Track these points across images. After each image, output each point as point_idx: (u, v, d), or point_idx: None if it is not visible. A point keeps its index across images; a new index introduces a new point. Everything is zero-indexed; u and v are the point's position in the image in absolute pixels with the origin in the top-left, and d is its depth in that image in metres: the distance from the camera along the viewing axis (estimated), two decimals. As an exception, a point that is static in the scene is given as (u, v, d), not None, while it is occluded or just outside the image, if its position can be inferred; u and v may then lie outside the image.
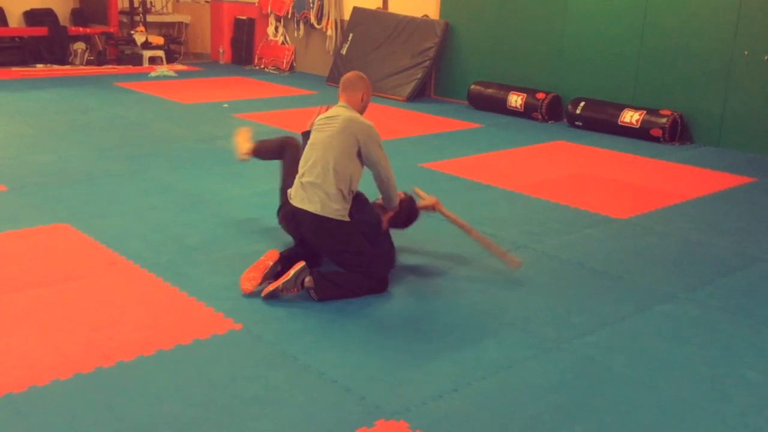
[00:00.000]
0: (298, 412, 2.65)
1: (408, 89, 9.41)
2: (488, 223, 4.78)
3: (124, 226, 4.48)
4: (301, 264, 3.54)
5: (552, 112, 8.41)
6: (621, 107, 7.77)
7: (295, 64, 11.79)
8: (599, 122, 7.88)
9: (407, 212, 4.09)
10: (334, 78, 10.43)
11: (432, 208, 4.15)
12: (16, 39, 11.47)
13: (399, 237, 4.16)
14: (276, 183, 4.28)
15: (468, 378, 2.92)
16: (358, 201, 3.80)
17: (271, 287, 3.51)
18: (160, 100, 8.93)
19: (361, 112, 3.84)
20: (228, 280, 3.74)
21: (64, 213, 4.66)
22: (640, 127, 7.54)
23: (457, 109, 9.05)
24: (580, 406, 2.76)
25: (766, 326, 3.49)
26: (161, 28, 12.86)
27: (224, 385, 2.81)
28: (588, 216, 5.02)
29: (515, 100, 8.60)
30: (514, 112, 8.62)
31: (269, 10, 11.82)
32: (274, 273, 3.63)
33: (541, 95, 8.42)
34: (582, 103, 8.05)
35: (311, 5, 11.10)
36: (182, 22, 13.13)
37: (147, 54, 11.65)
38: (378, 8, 10.31)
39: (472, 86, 9.08)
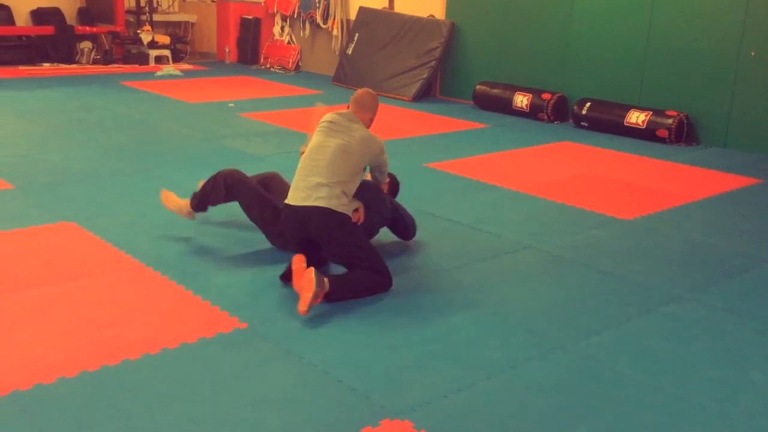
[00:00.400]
0: (303, 411, 2.66)
1: (413, 89, 9.41)
2: (493, 223, 4.78)
3: (130, 224, 4.49)
4: (312, 270, 3.51)
5: (558, 112, 8.40)
6: (627, 108, 7.76)
7: (300, 64, 11.80)
8: (605, 123, 7.86)
9: (392, 185, 4.46)
10: (339, 78, 10.44)
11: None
12: (23, 38, 11.50)
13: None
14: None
15: (473, 378, 2.92)
16: (370, 190, 3.97)
17: (309, 303, 3.38)
18: (167, 99, 8.95)
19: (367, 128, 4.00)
20: (234, 279, 3.75)
21: (71, 211, 4.67)
22: (646, 127, 7.52)
23: (462, 109, 9.05)
24: (584, 407, 2.76)
25: (772, 328, 3.48)
26: (167, 27, 12.89)
27: (229, 384, 2.81)
28: (593, 217, 5.02)
29: (521, 100, 8.59)
30: (519, 113, 8.61)
31: (275, 10, 11.84)
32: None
33: (546, 96, 8.41)
34: (588, 104, 8.04)
35: (317, 5, 11.11)
36: (188, 22, 13.17)
37: (153, 53, 11.67)
38: (384, 8, 10.31)
39: (478, 86, 9.07)
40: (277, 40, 12.01)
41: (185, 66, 11.72)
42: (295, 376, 2.90)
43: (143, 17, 12.21)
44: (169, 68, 11.01)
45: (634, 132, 7.60)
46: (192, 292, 3.58)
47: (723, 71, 7.26)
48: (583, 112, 8.03)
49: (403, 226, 4.28)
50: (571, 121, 8.32)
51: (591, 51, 8.24)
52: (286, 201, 3.81)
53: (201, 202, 4.21)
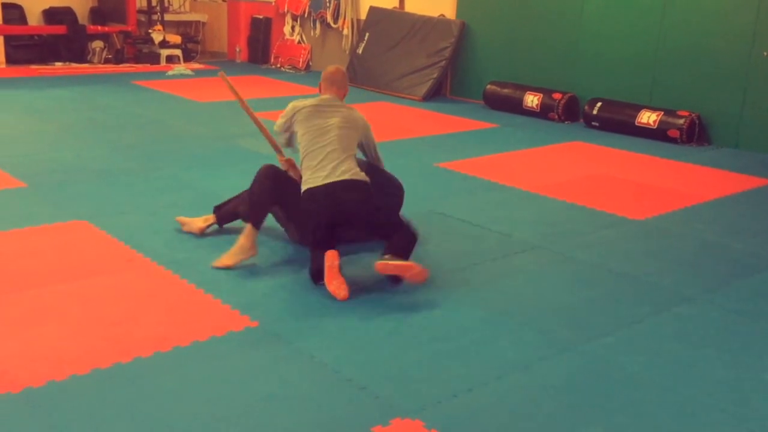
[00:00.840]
0: (313, 410, 2.66)
1: (424, 89, 9.40)
2: (504, 223, 4.77)
3: (141, 223, 4.51)
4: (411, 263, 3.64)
5: (568, 112, 8.38)
6: (638, 108, 7.73)
7: (311, 63, 11.81)
8: (616, 123, 7.84)
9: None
10: (350, 77, 10.44)
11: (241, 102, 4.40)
12: (35, 37, 11.57)
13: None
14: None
15: (484, 377, 2.92)
16: (377, 171, 4.20)
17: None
18: (178, 98, 8.98)
19: None
20: (245, 278, 3.75)
21: (83, 210, 4.70)
22: (657, 128, 7.49)
23: (472, 108, 9.03)
24: (596, 408, 2.75)
25: (785, 329, 3.46)
26: (179, 26, 12.93)
27: (240, 382, 2.82)
28: (605, 217, 5.00)
29: (531, 100, 8.57)
30: (530, 113, 8.59)
31: (286, 9, 11.85)
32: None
33: (557, 95, 8.38)
34: (599, 104, 8.01)
35: (328, 4, 11.12)
36: (199, 21, 13.21)
37: (164, 53, 11.71)
38: (394, 8, 10.31)
39: (488, 86, 9.06)
40: (287, 39, 12.03)
41: (196, 65, 11.75)
42: (305, 374, 2.90)
43: (154, 17, 12.26)
44: (180, 68, 11.05)
45: (645, 132, 7.57)
46: (203, 291, 3.59)
47: (735, 71, 7.22)
48: (594, 111, 8.01)
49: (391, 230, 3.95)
50: (581, 120, 8.29)
51: (602, 50, 8.21)
52: (308, 186, 3.80)
53: (252, 213, 3.95)
